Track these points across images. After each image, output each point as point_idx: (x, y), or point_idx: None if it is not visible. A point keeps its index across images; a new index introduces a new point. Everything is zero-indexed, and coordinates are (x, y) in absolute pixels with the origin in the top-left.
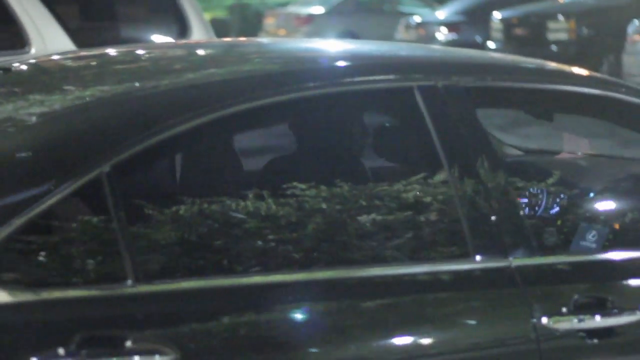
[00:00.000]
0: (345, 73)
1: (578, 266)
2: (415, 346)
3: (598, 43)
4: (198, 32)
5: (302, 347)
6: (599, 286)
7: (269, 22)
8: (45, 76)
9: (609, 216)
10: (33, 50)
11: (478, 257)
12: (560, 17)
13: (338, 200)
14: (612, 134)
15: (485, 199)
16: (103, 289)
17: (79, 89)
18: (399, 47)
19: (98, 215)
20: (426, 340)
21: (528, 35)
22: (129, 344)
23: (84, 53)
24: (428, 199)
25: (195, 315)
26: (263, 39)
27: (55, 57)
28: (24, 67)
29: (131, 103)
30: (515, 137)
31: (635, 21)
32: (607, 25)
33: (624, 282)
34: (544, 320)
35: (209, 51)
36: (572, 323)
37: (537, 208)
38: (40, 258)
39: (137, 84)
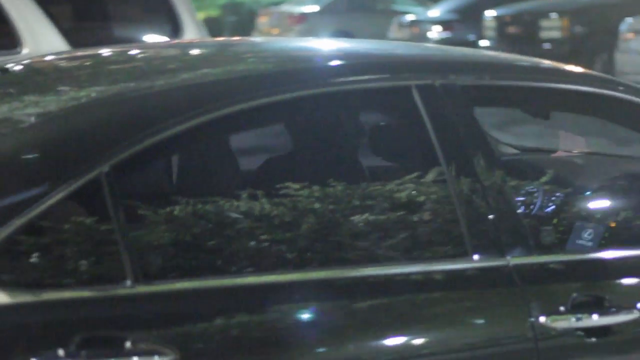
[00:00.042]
0: (342, 72)
1: (576, 265)
2: (413, 346)
3: (591, 41)
4: (191, 32)
5: (302, 347)
6: (597, 285)
7: (263, 21)
8: (40, 76)
9: (605, 214)
10: (26, 51)
11: (476, 256)
12: (554, 15)
13: (337, 200)
14: (605, 132)
15: (482, 197)
16: (102, 289)
17: (76, 89)
18: (397, 46)
19: (97, 215)
20: (424, 340)
21: (521, 34)
22: (128, 344)
23: (78, 53)
24: (426, 198)
25: (195, 315)
26: (260, 38)
27: (50, 57)
28: (19, 67)
29: (129, 103)
30: (509, 136)
31: (628, 19)
32: (600, 24)
33: (622, 281)
34: (542, 319)
35: (205, 51)
36: (570, 322)
37: (534, 207)
38: (40, 259)
39: (133, 84)
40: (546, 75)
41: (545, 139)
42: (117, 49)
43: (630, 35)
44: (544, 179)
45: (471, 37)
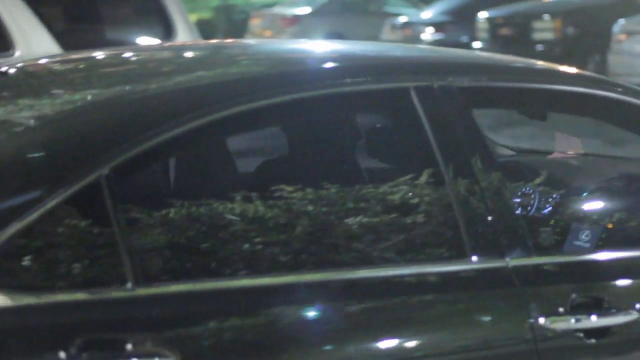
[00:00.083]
0: (341, 74)
1: (575, 266)
2: (411, 348)
3: (584, 42)
4: (183, 34)
5: (305, 348)
6: (596, 286)
7: (255, 23)
8: (35, 79)
9: (602, 215)
10: (18, 53)
11: (475, 258)
12: (546, 17)
13: (337, 202)
14: (599, 134)
15: (481, 199)
16: (103, 292)
17: (73, 92)
18: (395, 48)
19: (97, 218)
20: (423, 342)
21: (514, 35)
22: (129, 347)
23: (73, 56)
24: (424, 200)
25: (196, 317)
26: (258, 41)
27: (44, 60)
28: (13, 70)
29: (128, 105)
30: (501, 138)
31: (621, 20)
32: (592, 25)
33: (620, 282)
34: (541, 320)
35: (201, 53)
36: (569, 323)
37: (532, 208)
38: (41, 261)
39: (130, 87)
40: (544, 76)
41: (538, 140)
42: (113, 51)
43: (622, 37)
44: (541, 180)
45: (464, 38)
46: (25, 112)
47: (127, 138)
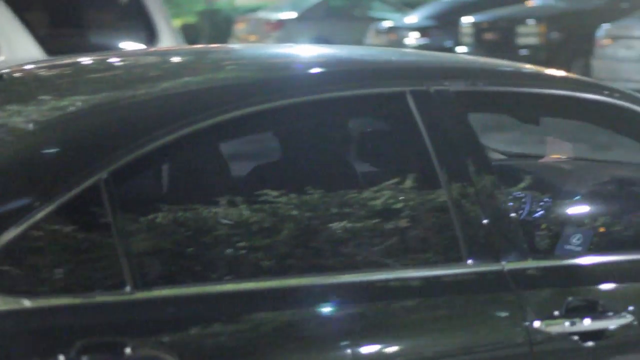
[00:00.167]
0: (338, 79)
1: (569, 269)
2: (408, 351)
3: (568, 47)
4: (166, 39)
5: (312, 350)
6: (590, 289)
7: (240, 27)
8: (22, 85)
9: (594, 219)
10: (2, 58)
11: (470, 261)
12: (530, 22)
13: (332, 207)
14: (587, 138)
15: (477, 203)
16: (102, 295)
17: (66, 97)
18: (391, 53)
19: (97, 222)
20: (419, 345)
21: (498, 40)
22: (128, 350)
23: (61, 62)
24: (420, 204)
25: (195, 321)
26: (254, 45)
27: (31, 66)
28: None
29: (124, 111)
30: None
31: (605, 25)
32: (576, 30)
33: (614, 285)
34: (537, 323)
35: (194, 57)
36: (564, 326)
37: (524, 212)
38: (40, 265)
39: (124, 92)
40: (539, 81)
41: (524, 146)
42: (101, 56)
43: (606, 42)
44: (533, 184)
45: (448, 43)
46: (18, 118)
47: (126, 143)
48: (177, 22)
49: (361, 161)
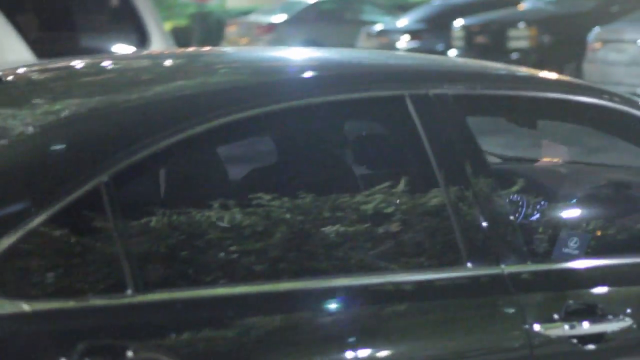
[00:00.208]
0: (338, 82)
1: (569, 273)
2: (407, 354)
3: (559, 51)
4: (157, 42)
5: (319, 352)
6: (590, 292)
7: (231, 30)
8: (15, 90)
9: (591, 222)
10: None
11: (470, 265)
12: (521, 25)
13: (332, 210)
14: (579, 142)
15: (477, 206)
16: (103, 298)
17: (64, 100)
18: (390, 56)
19: (97, 225)
20: (418, 348)
21: (489, 43)
22: (130, 353)
23: (55, 65)
24: (420, 207)
25: (196, 324)
26: (252, 48)
27: (23, 69)
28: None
29: (123, 114)
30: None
31: (596, 29)
32: (568, 33)
33: (614, 288)
34: (536, 326)
35: (193, 61)
36: (563, 329)
37: (520, 215)
38: (42, 268)
39: (122, 95)
40: (538, 85)
41: (517, 150)
42: (98, 60)
43: (597, 45)
44: (529, 187)
45: (439, 46)
46: (17, 121)
47: (126, 146)
48: (168, 25)
49: (361, 165)
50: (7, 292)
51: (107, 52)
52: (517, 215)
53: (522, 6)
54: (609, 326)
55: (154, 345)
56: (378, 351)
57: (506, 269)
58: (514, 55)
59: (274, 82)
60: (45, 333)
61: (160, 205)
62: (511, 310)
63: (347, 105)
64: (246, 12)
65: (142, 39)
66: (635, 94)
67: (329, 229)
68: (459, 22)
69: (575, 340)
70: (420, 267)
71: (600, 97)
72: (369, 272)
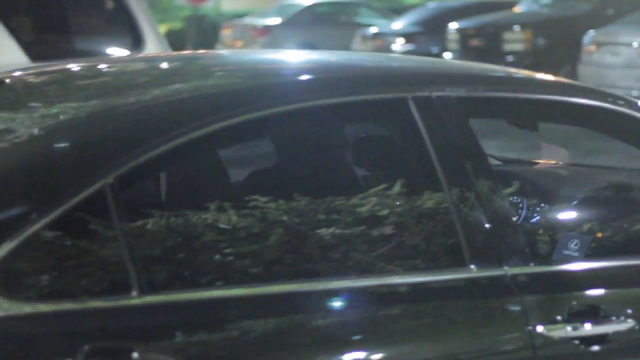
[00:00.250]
0: (341, 85)
1: (572, 274)
2: (410, 356)
3: (554, 53)
4: (152, 44)
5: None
6: (592, 294)
7: (226, 33)
8: (12, 93)
9: (592, 224)
10: None
11: (473, 266)
12: (516, 28)
13: (337, 212)
14: (575, 144)
15: (479, 208)
16: (108, 300)
17: (66, 103)
18: (392, 58)
19: (103, 226)
20: (422, 350)
21: (484, 46)
22: (135, 355)
23: (53, 68)
24: (423, 209)
25: (202, 325)
26: (254, 51)
27: (19, 72)
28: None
29: (128, 117)
30: None
31: (590, 32)
32: (562, 36)
33: (616, 290)
34: (540, 328)
35: (194, 63)
36: (566, 331)
37: (520, 217)
38: (46, 269)
39: (125, 98)
40: (540, 87)
41: (515, 152)
42: (97, 62)
43: (592, 48)
44: (529, 189)
45: (434, 49)
46: (19, 124)
47: (131, 148)
48: (163, 28)
49: (363, 167)
50: (12, 293)
51: (101, 54)
52: (519, 217)
53: (517, 9)
54: (612, 327)
55: (158, 347)
56: (381, 353)
57: (509, 270)
58: (509, 58)
59: (276, 84)
60: (50, 335)
61: (164, 207)
62: (514, 312)
63: (350, 108)
64: (241, 15)
65: (136, 42)
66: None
67: (332, 231)
68: (454, 25)
69: (578, 342)
70: (423, 269)
71: (605, 100)
72: (372, 274)
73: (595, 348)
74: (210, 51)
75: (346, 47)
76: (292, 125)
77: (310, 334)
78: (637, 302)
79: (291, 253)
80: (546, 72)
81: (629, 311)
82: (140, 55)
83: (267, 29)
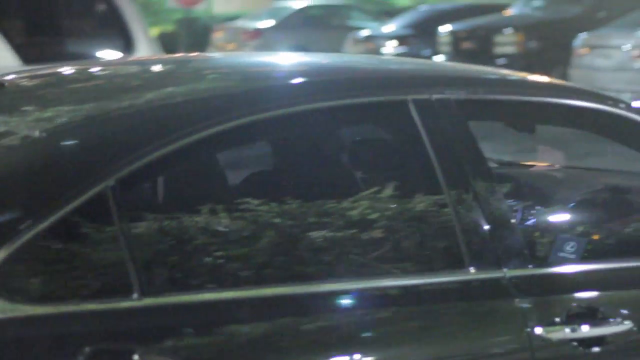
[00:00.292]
0: (342, 87)
1: (570, 276)
2: (410, 359)
3: (545, 56)
4: (143, 47)
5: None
6: (591, 296)
7: (218, 36)
8: (8, 95)
9: (588, 227)
10: None
11: (472, 269)
12: (508, 31)
13: (335, 214)
14: (569, 147)
15: (478, 210)
16: (109, 302)
17: (64, 106)
18: (392, 61)
19: (104, 228)
20: (420, 352)
21: (476, 49)
22: (136, 357)
23: (52, 70)
24: (423, 211)
25: (202, 328)
26: (253, 54)
27: (12, 76)
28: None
29: (126, 119)
30: None
31: (582, 35)
32: (554, 39)
33: (615, 292)
34: (538, 330)
35: (193, 66)
36: (565, 333)
37: (520, 219)
38: (48, 271)
39: (125, 101)
40: (539, 90)
41: (512, 155)
42: (94, 65)
43: (583, 51)
44: (525, 192)
45: (426, 52)
46: (21, 125)
47: (133, 150)
48: (155, 31)
49: (363, 169)
50: (13, 294)
51: (92, 57)
52: (518, 219)
53: (509, 12)
54: (610, 329)
55: (159, 349)
56: (379, 356)
57: (508, 272)
58: (501, 61)
59: (277, 87)
60: (51, 337)
61: (164, 209)
62: (513, 314)
63: (350, 111)
64: (233, 18)
65: (127, 45)
66: None
67: (324, 234)
68: (445, 28)
69: (576, 344)
70: (422, 271)
71: (604, 103)
72: (371, 276)
73: (594, 350)
74: (204, 54)
75: (338, 50)
76: (291, 128)
77: (328, 335)
78: (635, 304)
79: (298, 255)
80: (538, 74)
81: (627, 313)
82: (134, 58)
83: (259, 32)
